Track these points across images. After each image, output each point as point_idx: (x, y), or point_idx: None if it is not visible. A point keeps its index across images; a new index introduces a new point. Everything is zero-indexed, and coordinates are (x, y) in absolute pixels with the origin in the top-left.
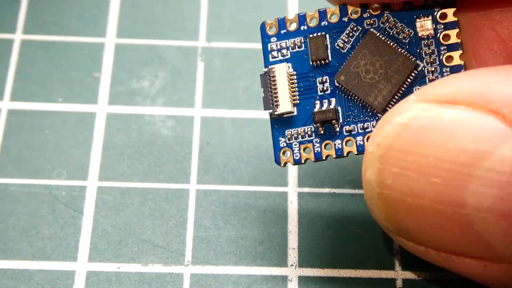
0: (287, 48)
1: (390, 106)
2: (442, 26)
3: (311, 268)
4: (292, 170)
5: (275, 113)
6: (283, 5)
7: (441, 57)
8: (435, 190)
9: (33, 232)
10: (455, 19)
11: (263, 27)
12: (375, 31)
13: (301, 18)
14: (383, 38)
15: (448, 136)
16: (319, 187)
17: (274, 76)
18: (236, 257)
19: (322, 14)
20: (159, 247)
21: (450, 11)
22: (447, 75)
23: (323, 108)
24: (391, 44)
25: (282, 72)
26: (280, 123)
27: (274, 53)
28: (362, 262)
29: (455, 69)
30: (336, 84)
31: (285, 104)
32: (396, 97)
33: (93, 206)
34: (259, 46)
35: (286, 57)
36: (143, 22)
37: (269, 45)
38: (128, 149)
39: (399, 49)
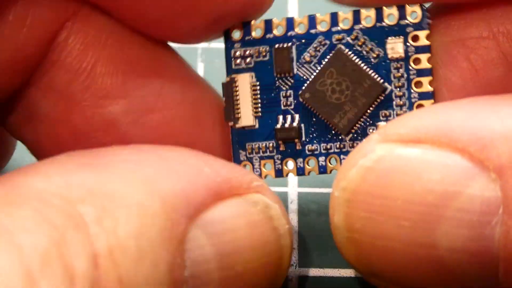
0: (251, 56)
1: (354, 129)
2: (414, 49)
3: (311, 268)
4: None
5: (236, 126)
6: (283, 5)
7: (410, 82)
8: (405, 232)
9: None
10: (428, 43)
11: (227, 31)
12: (343, 48)
13: (268, 25)
14: (351, 57)
15: (415, 178)
16: (319, 187)
17: (237, 87)
18: None
19: (290, 23)
20: None
21: (423, 34)
22: (415, 101)
23: (286, 125)
24: (360, 64)
25: (246, 84)
26: (240, 135)
27: (238, 60)
28: None
29: (424, 96)
30: (301, 100)
31: (247, 118)
32: (361, 120)
33: None
34: None
35: (250, 65)
36: None
37: (232, 51)
38: None
39: (367, 70)
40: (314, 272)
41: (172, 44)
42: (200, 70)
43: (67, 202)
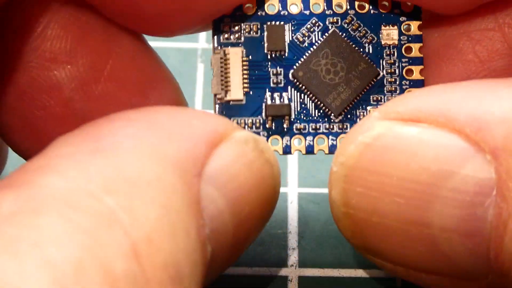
0: (241, 32)
1: (346, 110)
2: (406, 38)
3: (311, 268)
4: (292, 171)
5: (224, 98)
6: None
7: (401, 69)
8: (400, 210)
9: None
10: (420, 33)
11: None
12: (337, 31)
13: (260, 2)
14: (347, 40)
15: (411, 156)
16: (319, 187)
17: (227, 60)
18: None
19: (283, 2)
20: None
21: (415, 24)
22: (406, 88)
23: (276, 102)
24: (355, 47)
25: (237, 57)
26: (226, 109)
27: (226, 35)
28: (362, 262)
29: (415, 84)
30: (291, 78)
31: (237, 91)
32: (353, 102)
33: None
34: None
35: (239, 41)
36: None
37: (221, 25)
38: None
39: (363, 54)
40: (314, 272)
41: (172, 44)
42: (200, 70)
43: (93, 197)
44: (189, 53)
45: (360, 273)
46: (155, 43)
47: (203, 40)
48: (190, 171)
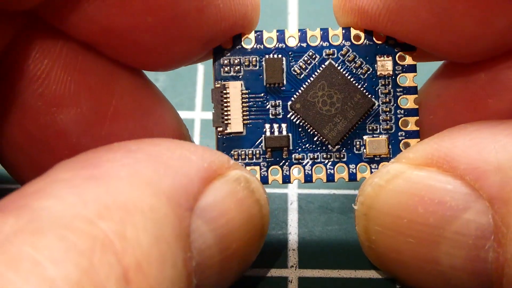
0: (241, 65)
1: (343, 140)
2: (401, 68)
3: (311, 269)
4: None
5: (225, 131)
6: (283, 7)
7: (396, 99)
8: (412, 248)
9: None
10: (414, 63)
11: None
12: (333, 63)
13: (259, 37)
14: (342, 72)
15: (418, 200)
16: (319, 189)
17: (227, 93)
18: None
19: (280, 36)
20: None
21: (410, 54)
22: (401, 117)
23: (275, 133)
24: (350, 79)
25: (237, 91)
26: (227, 141)
27: (226, 68)
28: (362, 263)
29: (409, 113)
30: (289, 110)
31: (237, 124)
32: (349, 132)
33: None
34: None
35: (239, 74)
36: None
37: (222, 59)
38: None
39: (358, 85)
40: (314, 273)
41: None
42: (200, 72)
43: (88, 222)
44: None
45: (360, 274)
46: None
47: None
48: (183, 204)
